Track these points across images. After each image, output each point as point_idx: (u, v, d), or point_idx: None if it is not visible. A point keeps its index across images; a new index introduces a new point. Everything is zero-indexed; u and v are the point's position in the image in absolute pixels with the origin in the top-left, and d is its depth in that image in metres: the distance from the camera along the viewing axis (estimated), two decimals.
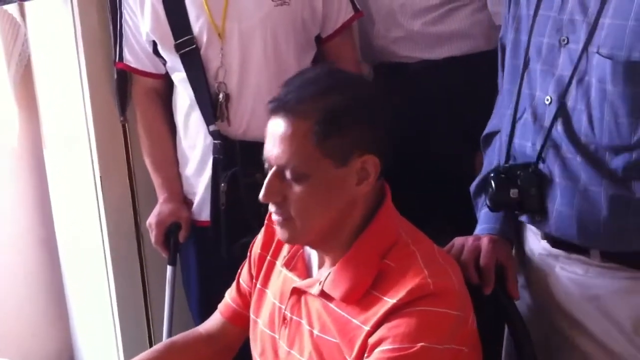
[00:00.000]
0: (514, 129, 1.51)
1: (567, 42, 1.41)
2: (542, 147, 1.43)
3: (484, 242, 1.53)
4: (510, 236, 1.59)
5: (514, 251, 1.61)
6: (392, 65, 2.18)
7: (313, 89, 1.35)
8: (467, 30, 2.10)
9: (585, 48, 1.37)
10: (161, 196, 2.16)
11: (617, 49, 1.32)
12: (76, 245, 2.60)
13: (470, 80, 1.79)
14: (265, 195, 1.37)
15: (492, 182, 1.48)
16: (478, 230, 1.60)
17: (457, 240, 1.56)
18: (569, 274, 1.48)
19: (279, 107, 1.35)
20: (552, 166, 1.43)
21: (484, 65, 1.86)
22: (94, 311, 2.59)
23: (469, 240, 1.55)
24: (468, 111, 1.74)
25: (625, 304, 1.43)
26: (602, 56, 1.33)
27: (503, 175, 1.47)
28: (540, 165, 1.44)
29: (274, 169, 1.36)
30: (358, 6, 2.12)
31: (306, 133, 1.32)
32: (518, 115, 1.50)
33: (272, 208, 1.39)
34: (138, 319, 2.47)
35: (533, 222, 1.50)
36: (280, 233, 1.41)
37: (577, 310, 1.47)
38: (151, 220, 2.15)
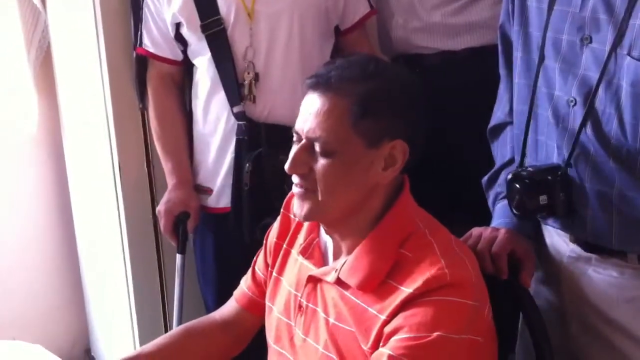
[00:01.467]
0: (529, 126, 1.49)
1: (590, 42, 1.36)
2: (571, 151, 1.40)
3: (501, 232, 1.52)
4: (528, 231, 1.57)
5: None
6: (410, 56, 2.18)
7: (356, 71, 1.36)
8: (487, 22, 2.09)
9: (613, 49, 1.32)
10: (171, 182, 2.16)
11: None
12: (93, 231, 2.62)
13: (488, 72, 1.78)
14: (291, 165, 1.37)
15: (518, 188, 1.45)
16: (495, 224, 1.59)
17: (475, 231, 1.55)
18: (604, 277, 1.44)
19: (319, 83, 1.35)
20: (582, 171, 1.39)
21: None
22: (110, 296, 2.60)
23: (487, 230, 1.54)
24: (485, 102, 1.73)
25: None
26: (635, 59, 1.29)
27: (527, 181, 1.44)
28: (569, 170, 1.41)
29: (303, 141, 1.36)
30: (373, 4, 2.17)
31: (343, 111, 1.33)
32: (535, 112, 1.48)
33: (295, 180, 1.39)
34: (154, 305, 2.48)
35: (562, 227, 1.48)
36: (299, 208, 1.40)
37: (616, 312, 1.44)
38: (160, 208, 2.16)
